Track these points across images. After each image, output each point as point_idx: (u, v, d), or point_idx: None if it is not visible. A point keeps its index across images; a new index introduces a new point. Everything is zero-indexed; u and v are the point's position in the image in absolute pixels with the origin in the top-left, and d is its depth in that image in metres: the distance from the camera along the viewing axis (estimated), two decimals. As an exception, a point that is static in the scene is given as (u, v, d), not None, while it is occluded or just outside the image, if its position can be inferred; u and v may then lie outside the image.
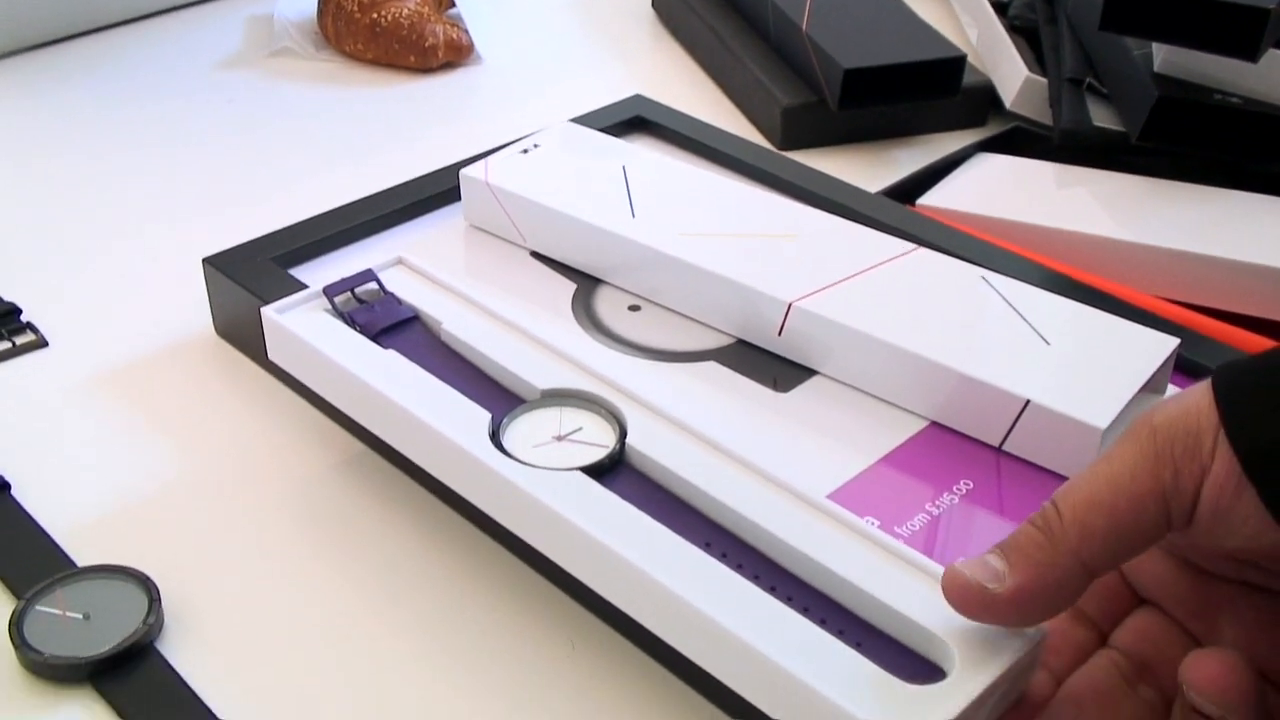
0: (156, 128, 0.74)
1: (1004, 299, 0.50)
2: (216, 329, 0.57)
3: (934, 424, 0.48)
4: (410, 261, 0.50)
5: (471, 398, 0.44)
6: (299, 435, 0.51)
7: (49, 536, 0.45)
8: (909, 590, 0.38)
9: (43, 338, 0.56)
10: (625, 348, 0.52)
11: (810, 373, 0.51)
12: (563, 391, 0.45)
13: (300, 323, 0.47)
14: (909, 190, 0.65)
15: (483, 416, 0.43)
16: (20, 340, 0.55)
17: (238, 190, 0.68)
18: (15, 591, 0.43)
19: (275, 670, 0.41)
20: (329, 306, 0.48)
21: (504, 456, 0.41)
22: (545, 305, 0.54)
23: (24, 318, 0.57)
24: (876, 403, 0.49)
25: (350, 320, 0.47)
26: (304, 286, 0.53)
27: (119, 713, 0.39)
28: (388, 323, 0.48)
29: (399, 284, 0.50)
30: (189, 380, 0.54)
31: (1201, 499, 0.32)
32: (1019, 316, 0.49)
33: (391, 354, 0.46)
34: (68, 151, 0.72)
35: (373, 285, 0.49)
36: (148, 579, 0.43)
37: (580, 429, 0.43)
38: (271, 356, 0.48)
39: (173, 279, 0.60)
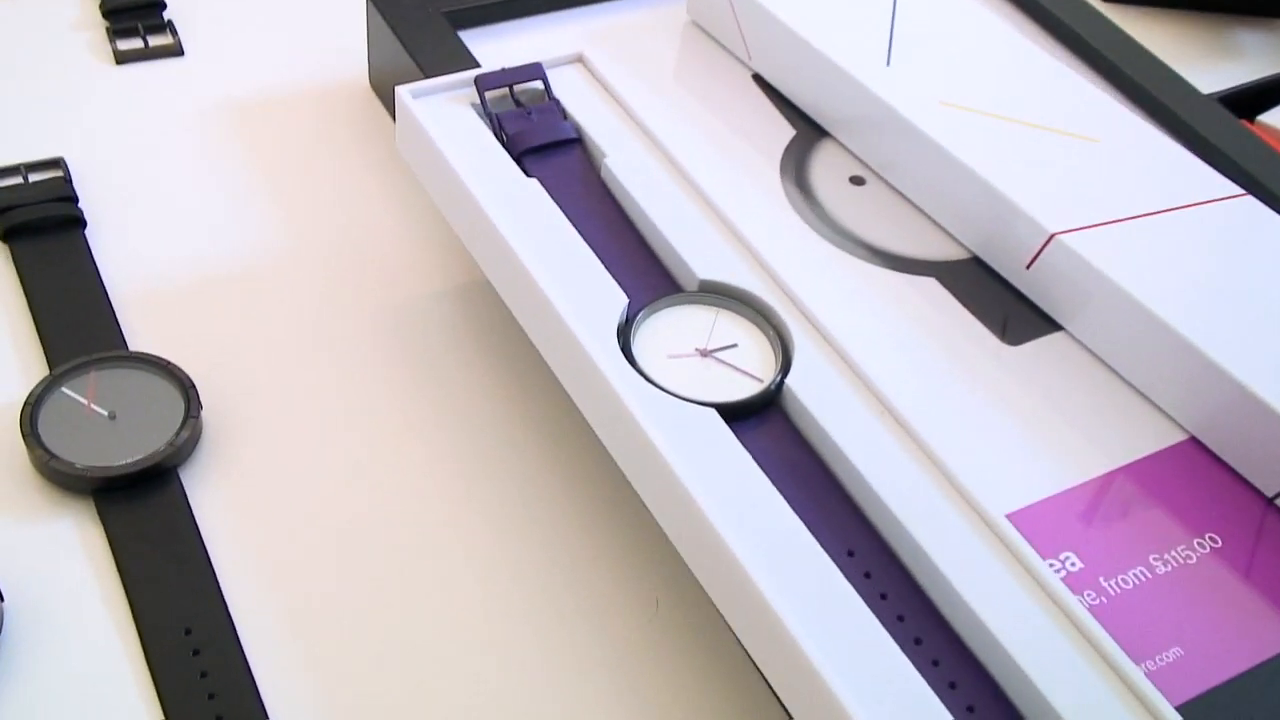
0: None
1: (1341, 298, 0.38)
2: (371, 81, 0.48)
3: (1193, 441, 0.37)
4: (593, 62, 0.40)
5: (613, 267, 0.35)
6: (424, 240, 0.43)
7: (108, 299, 0.39)
8: (1082, 688, 0.28)
9: (179, 44, 0.48)
10: (828, 231, 0.41)
11: (1053, 326, 0.39)
12: (726, 289, 0.35)
13: (435, 115, 0.38)
14: (1253, 98, 0.50)
15: (617, 301, 0.34)
16: (155, 41, 0.48)
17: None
18: (51, 357, 0.37)
19: (305, 538, 0.34)
20: (478, 101, 0.39)
21: (625, 365, 0.32)
22: (750, 148, 0.44)
23: (166, 15, 0.49)
24: (1125, 390, 0.38)
25: (498, 125, 0.38)
26: (470, 57, 0.44)
27: (110, 540, 0.33)
28: (541, 140, 0.38)
29: (572, 89, 0.40)
30: (325, 136, 0.46)
31: None
32: (1355, 329, 0.37)
33: (533, 184, 0.36)
34: None
35: (538, 84, 0.39)
36: (191, 387, 0.36)
37: (734, 346, 0.34)
38: (398, 145, 0.39)
39: (338, 7, 0.51)
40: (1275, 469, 0.35)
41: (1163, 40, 0.56)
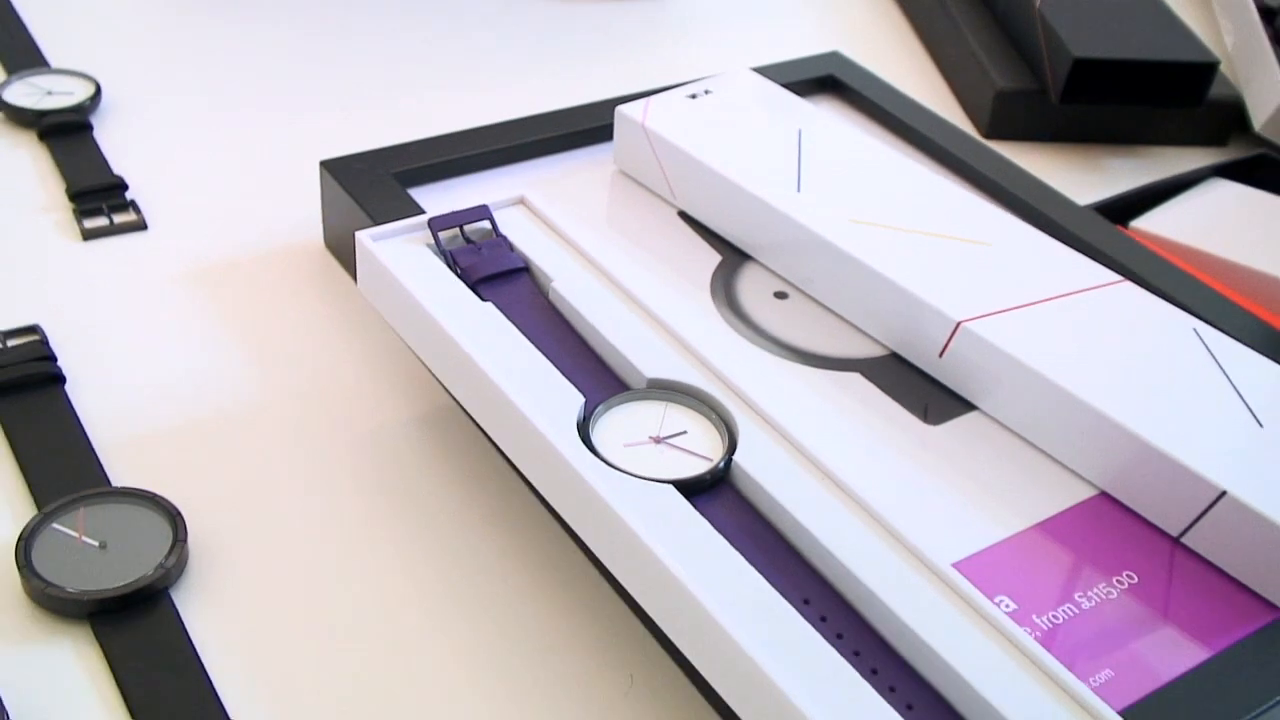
0: (307, 12, 0.69)
1: (1216, 361, 0.42)
2: (326, 241, 0.52)
3: (1103, 495, 0.40)
4: (533, 203, 0.44)
5: (567, 373, 0.38)
6: (387, 375, 0.46)
7: (90, 444, 0.41)
8: (1037, 708, 0.30)
9: (143, 219, 0.52)
10: (760, 340, 0.45)
11: (968, 407, 0.43)
12: (671, 385, 0.38)
13: (394, 254, 0.42)
14: (1124, 209, 0.56)
15: (574, 400, 0.37)
16: (120, 219, 0.51)
17: (380, 93, 0.63)
18: (39, 500, 0.39)
19: (295, 647, 0.36)
20: (432, 241, 0.42)
21: (588, 453, 0.35)
22: (681, 275, 0.48)
23: (129, 194, 0.53)
24: (1039, 457, 0.42)
25: (451, 260, 0.42)
26: (421, 211, 0.48)
27: (109, 660, 0.35)
28: (492, 270, 0.42)
29: (515, 227, 0.44)
30: (285, 293, 0.49)
31: None
32: (1231, 386, 0.41)
33: (488, 308, 0.40)
34: (205, 23, 0.68)
35: (485, 224, 0.43)
36: (177, 515, 0.38)
37: (684, 433, 0.37)
38: (360, 286, 0.43)
39: (291, 178, 0.55)
40: (1178, 511, 0.39)
41: (1039, 166, 0.61)
